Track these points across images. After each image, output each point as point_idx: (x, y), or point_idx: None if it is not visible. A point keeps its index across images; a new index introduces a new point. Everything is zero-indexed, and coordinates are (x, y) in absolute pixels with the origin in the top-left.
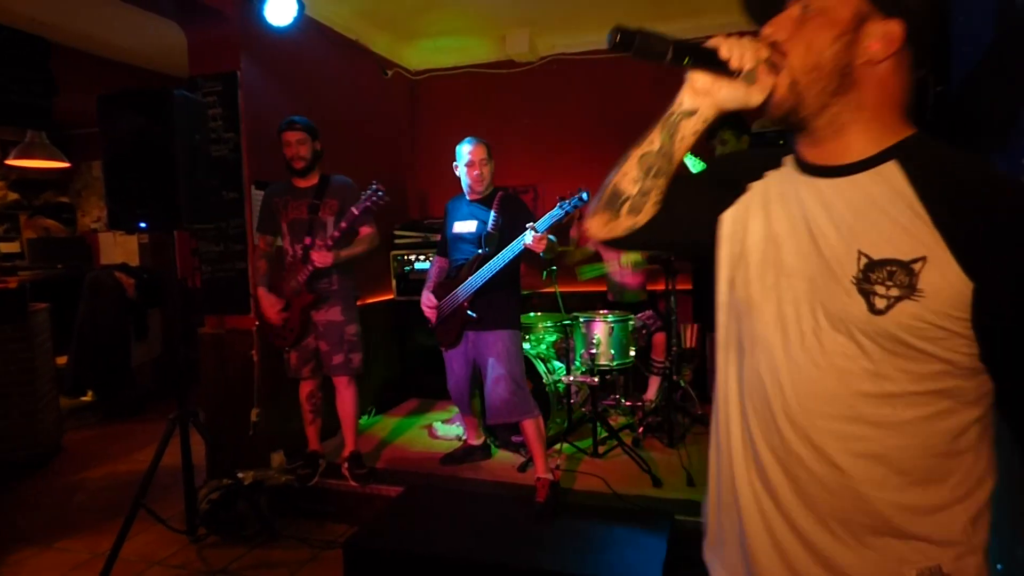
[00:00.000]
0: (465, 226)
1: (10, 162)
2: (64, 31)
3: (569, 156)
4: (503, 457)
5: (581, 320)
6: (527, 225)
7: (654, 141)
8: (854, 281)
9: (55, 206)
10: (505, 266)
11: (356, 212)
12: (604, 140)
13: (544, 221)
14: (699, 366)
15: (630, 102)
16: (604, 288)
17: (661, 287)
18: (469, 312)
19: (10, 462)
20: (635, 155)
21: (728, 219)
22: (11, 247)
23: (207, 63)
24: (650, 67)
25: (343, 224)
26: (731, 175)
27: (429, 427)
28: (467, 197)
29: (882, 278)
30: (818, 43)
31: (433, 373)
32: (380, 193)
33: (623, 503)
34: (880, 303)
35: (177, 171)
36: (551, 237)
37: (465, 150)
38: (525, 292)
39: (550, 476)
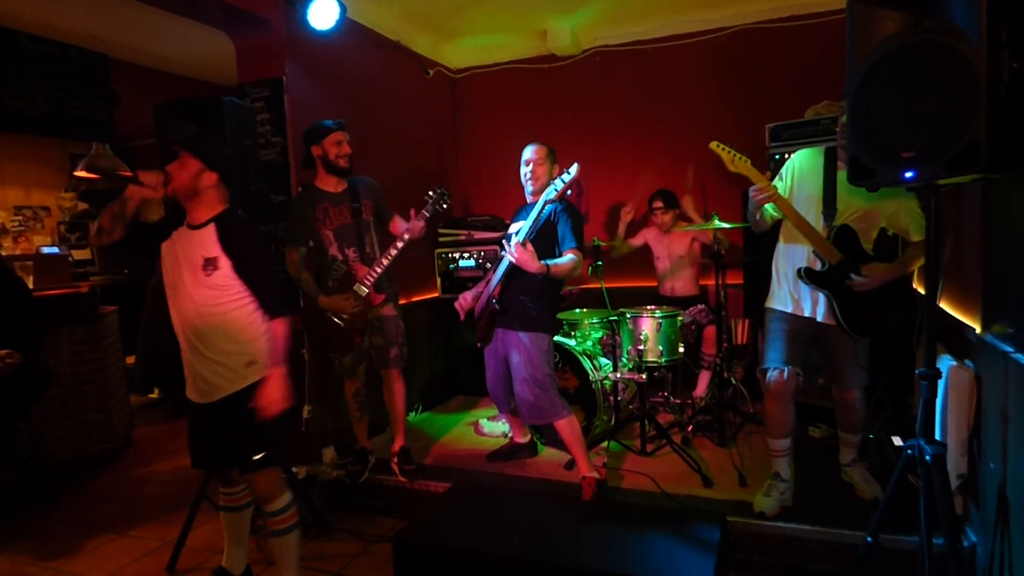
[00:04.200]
0: (515, 227)
1: (78, 174)
2: (122, 46)
3: (613, 149)
4: (550, 454)
5: (628, 316)
6: (508, 232)
7: None
8: None
9: None
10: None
11: (427, 215)
12: (648, 132)
13: (524, 230)
14: (750, 363)
15: (674, 93)
16: (654, 283)
17: (711, 282)
18: (494, 302)
19: (87, 456)
20: None
21: None
22: (83, 254)
23: (254, 70)
24: (692, 58)
25: (408, 234)
26: None
27: (475, 424)
28: (529, 200)
29: None
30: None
31: (478, 370)
32: (446, 196)
33: (672, 503)
34: None
35: (229, 176)
36: (545, 263)
37: (525, 150)
38: (569, 287)
39: (595, 474)
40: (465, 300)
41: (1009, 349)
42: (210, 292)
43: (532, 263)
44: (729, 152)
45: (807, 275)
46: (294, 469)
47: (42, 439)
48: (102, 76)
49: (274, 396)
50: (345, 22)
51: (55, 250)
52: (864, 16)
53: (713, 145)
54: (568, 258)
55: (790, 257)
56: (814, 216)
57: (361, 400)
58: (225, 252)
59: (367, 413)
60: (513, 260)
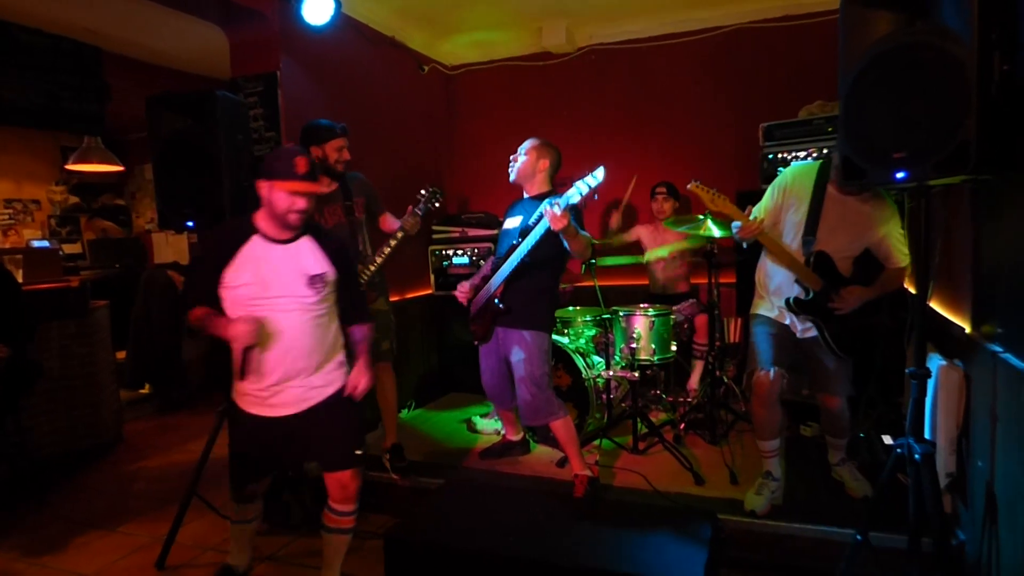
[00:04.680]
0: (512, 222)
1: (69, 167)
2: (115, 39)
3: (608, 146)
4: (542, 452)
5: (621, 314)
6: (547, 201)
7: None
8: None
9: (112, 208)
10: (539, 260)
11: (420, 214)
12: (644, 129)
13: (563, 199)
14: (742, 360)
15: (669, 92)
16: (646, 282)
17: (704, 280)
18: (496, 302)
19: (77, 450)
20: None
21: None
22: (73, 248)
23: (248, 64)
24: (690, 55)
25: (401, 232)
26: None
27: (468, 421)
28: (525, 195)
29: None
30: None
31: (471, 367)
32: (439, 194)
33: (664, 500)
34: None
35: (221, 171)
36: (576, 225)
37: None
38: (563, 285)
39: (588, 472)
40: (465, 288)
41: (998, 349)
42: (316, 306)
43: (563, 220)
44: (708, 192)
45: (796, 305)
46: None
47: (31, 434)
48: (95, 69)
49: (364, 377)
50: (340, 17)
51: (45, 244)
52: (857, 17)
53: (692, 186)
54: (586, 233)
55: (772, 273)
56: (799, 243)
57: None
58: (334, 265)
59: None
60: (550, 223)
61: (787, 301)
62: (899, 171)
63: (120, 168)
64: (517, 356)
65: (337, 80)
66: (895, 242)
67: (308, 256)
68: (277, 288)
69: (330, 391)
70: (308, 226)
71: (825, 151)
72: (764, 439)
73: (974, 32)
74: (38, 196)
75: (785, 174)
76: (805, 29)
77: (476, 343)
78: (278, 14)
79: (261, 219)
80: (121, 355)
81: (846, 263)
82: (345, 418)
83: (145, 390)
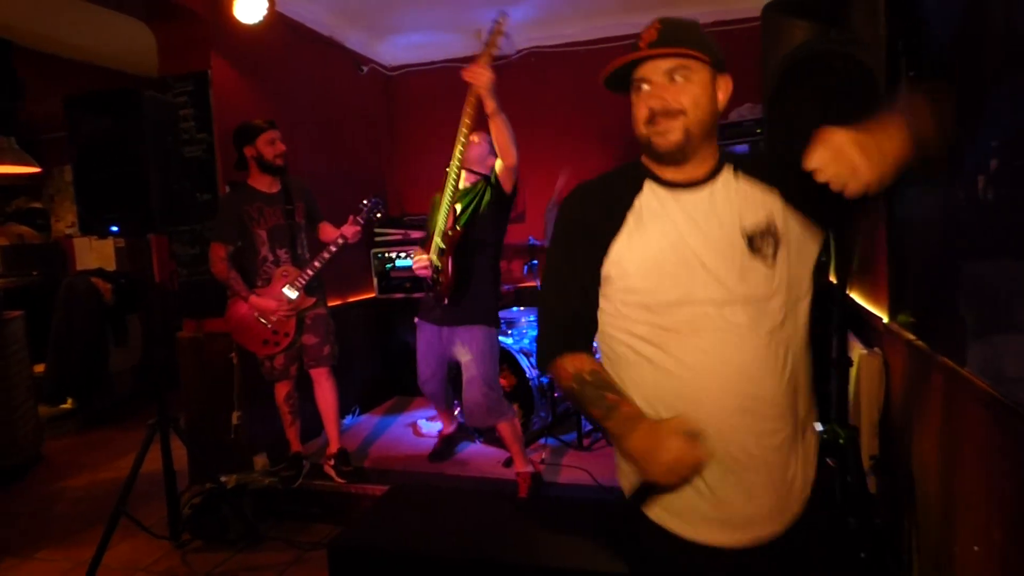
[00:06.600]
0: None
1: None
2: (28, 33)
3: (547, 148)
4: (488, 452)
5: None
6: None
7: None
8: (746, 253)
9: (28, 212)
10: (477, 240)
11: (362, 222)
12: (582, 132)
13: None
14: None
15: (607, 92)
16: None
17: None
18: (457, 277)
19: None
20: None
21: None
22: None
23: (177, 63)
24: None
25: (342, 239)
26: (594, 216)
27: (414, 425)
28: (461, 185)
29: (763, 242)
30: (702, 102)
31: (416, 370)
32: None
33: (608, 495)
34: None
35: (149, 174)
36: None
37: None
38: (506, 286)
39: (530, 468)
40: (424, 261)
41: (912, 336)
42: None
43: (485, 72)
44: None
45: None
46: (223, 479)
47: None
48: (6, 64)
49: None
50: (275, 16)
51: None
52: (777, 25)
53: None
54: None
55: None
56: None
57: (293, 403)
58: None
59: (299, 417)
60: (471, 79)
61: None
62: None
63: (36, 170)
64: (466, 356)
65: (273, 80)
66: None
67: None
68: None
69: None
70: None
71: None
72: None
73: (882, 41)
74: None
75: None
76: (736, 34)
77: (420, 332)
78: (210, 11)
79: None
80: (40, 368)
81: None
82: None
83: (67, 405)
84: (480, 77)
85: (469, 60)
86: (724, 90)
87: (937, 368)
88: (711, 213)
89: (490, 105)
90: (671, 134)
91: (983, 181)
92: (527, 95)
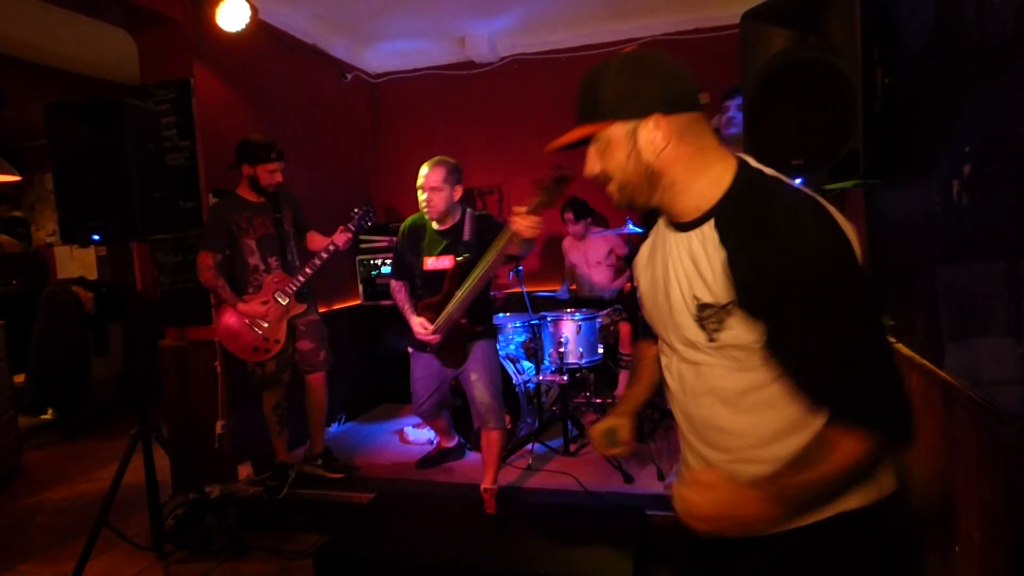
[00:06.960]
0: (440, 263)
1: None
2: (10, 40)
3: (532, 155)
4: (475, 459)
5: (549, 319)
6: (513, 210)
7: None
8: (694, 318)
9: (8, 220)
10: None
11: (354, 230)
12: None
13: (532, 207)
14: None
15: None
16: (573, 287)
17: (629, 286)
18: (470, 324)
19: None
20: None
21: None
22: None
23: (159, 71)
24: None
25: (333, 246)
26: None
27: (400, 432)
28: (432, 226)
29: (708, 316)
30: (623, 162)
31: (403, 378)
32: (372, 213)
33: (595, 500)
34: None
35: (130, 182)
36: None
37: (421, 172)
38: (492, 292)
39: (497, 487)
40: (427, 324)
41: (891, 339)
42: None
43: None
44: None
45: None
46: (207, 488)
47: None
48: None
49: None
50: (258, 24)
51: None
52: (755, 32)
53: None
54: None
55: None
56: None
57: (281, 413)
58: None
59: (287, 426)
60: (522, 232)
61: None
62: (797, 177)
63: (17, 178)
64: (477, 367)
65: (256, 88)
66: None
67: None
68: None
69: None
70: None
71: None
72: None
73: (858, 49)
74: None
75: None
76: (715, 41)
77: (452, 370)
78: (191, 19)
79: None
80: (20, 378)
81: None
82: None
83: (48, 415)
84: (533, 231)
85: (452, 67)
86: (651, 133)
87: (917, 370)
88: (681, 262)
89: (515, 250)
90: (613, 197)
91: (957, 186)
92: (510, 102)
